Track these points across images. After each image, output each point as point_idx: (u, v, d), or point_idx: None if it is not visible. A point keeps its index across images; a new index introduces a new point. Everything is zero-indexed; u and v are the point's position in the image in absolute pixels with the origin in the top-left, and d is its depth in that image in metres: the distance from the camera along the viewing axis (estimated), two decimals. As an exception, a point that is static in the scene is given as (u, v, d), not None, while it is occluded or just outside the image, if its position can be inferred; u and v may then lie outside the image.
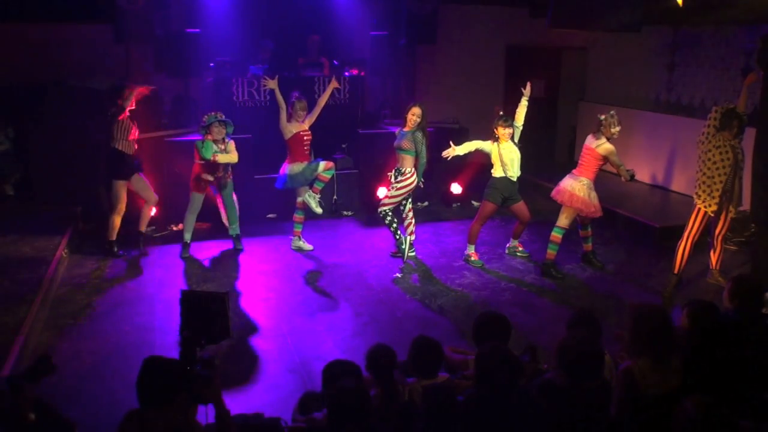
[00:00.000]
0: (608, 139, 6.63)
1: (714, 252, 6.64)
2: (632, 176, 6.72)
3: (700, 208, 6.30)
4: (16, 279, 6.21)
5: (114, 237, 7.19)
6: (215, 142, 6.92)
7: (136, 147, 7.20)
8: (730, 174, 6.18)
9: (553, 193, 6.95)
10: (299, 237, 7.55)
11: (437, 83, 10.76)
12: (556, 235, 6.85)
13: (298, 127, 7.20)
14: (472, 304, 6.18)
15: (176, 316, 6.16)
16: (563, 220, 6.83)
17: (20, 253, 6.92)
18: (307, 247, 7.53)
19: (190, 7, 9.07)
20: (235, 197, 7.38)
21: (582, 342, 3.18)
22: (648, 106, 10.51)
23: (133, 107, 7.09)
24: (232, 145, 7.07)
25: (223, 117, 6.96)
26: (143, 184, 7.28)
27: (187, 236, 7.30)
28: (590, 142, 6.73)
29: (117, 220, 7.18)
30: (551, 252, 6.87)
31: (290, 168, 7.24)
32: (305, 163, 7.26)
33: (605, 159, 6.67)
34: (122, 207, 7.16)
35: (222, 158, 6.95)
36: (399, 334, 5.30)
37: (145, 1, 7.86)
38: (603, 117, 6.66)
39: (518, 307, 6.15)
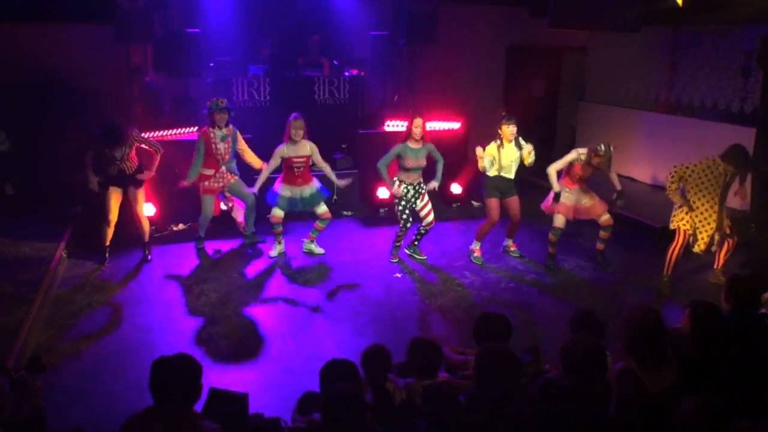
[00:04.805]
0: (584, 161, 6.71)
1: (721, 253, 6.62)
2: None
3: (683, 229, 6.35)
4: (16, 279, 6.21)
5: (107, 243, 7.02)
6: (218, 128, 7.06)
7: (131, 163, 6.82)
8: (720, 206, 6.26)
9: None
10: (312, 240, 7.50)
11: (437, 83, 10.75)
12: (550, 235, 7.09)
13: (290, 151, 7.06)
14: (472, 304, 6.19)
15: (176, 316, 6.15)
16: (554, 222, 7.03)
17: (20, 253, 6.92)
18: (318, 250, 7.46)
19: (190, 7, 9.06)
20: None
21: (587, 346, 3.18)
22: (648, 106, 10.51)
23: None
24: (243, 143, 7.35)
25: (225, 104, 7.08)
26: (136, 196, 6.95)
27: (202, 232, 7.48)
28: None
29: (105, 229, 6.91)
30: (550, 248, 7.16)
31: (280, 187, 7.19)
32: (295, 187, 7.15)
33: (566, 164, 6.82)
34: (110, 218, 6.83)
35: (251, 159, 7.39)
36: (399, 334, 5.30)
37: (145, 1, 7.85)
38: (601, 147, 6.65)
39: (518, 307, 6.16)
